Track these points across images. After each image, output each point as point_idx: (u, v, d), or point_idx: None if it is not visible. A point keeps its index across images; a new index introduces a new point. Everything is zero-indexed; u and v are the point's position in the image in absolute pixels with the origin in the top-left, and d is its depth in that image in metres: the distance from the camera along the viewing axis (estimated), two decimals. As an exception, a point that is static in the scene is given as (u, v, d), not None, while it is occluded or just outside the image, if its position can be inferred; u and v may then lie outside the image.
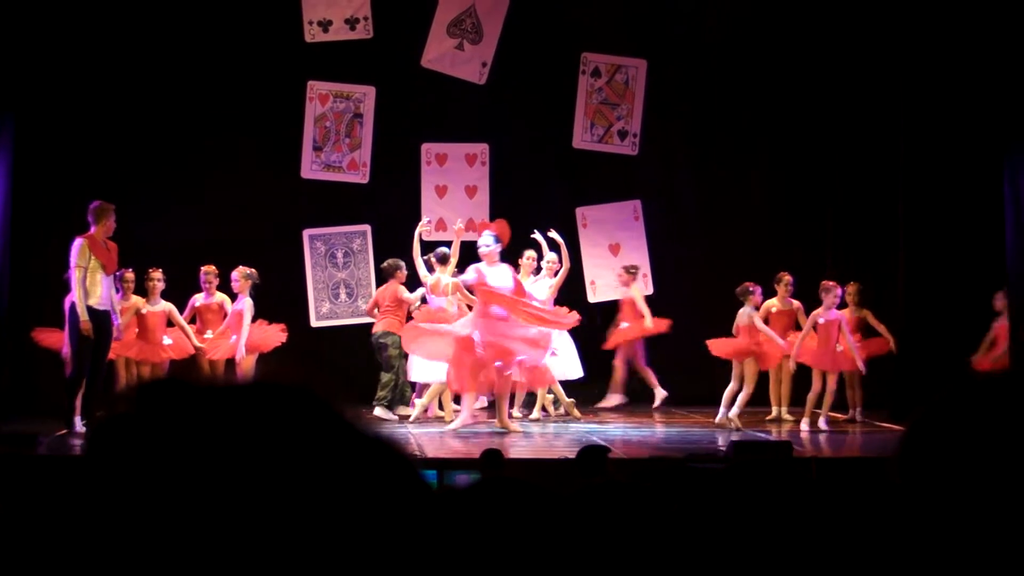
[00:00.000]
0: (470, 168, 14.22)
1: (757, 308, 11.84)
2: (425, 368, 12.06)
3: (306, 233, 13.86)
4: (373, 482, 1.04)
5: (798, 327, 12.11)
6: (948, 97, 12.62)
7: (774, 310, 12.47)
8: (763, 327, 11.77)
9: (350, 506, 1.02)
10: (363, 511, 1.03)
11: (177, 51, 13.45)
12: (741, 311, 11.86)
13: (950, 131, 12.68)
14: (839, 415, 12.24)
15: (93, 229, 10.49)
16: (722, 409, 11.81)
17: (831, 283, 11.86)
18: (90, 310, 10.31)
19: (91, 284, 10.34)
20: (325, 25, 13.69)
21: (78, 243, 10.40)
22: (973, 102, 12.51)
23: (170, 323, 12.02)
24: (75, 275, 10.30)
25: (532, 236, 12.61)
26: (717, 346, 12.26)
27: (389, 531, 1.03)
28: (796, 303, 12.31)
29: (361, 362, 12.92)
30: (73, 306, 10.44)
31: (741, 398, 11.75)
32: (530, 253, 12.75)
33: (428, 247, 12.44)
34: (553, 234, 12.43)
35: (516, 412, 12.75)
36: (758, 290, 11.87)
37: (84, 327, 10.27)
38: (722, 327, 13.04)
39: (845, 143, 13.81)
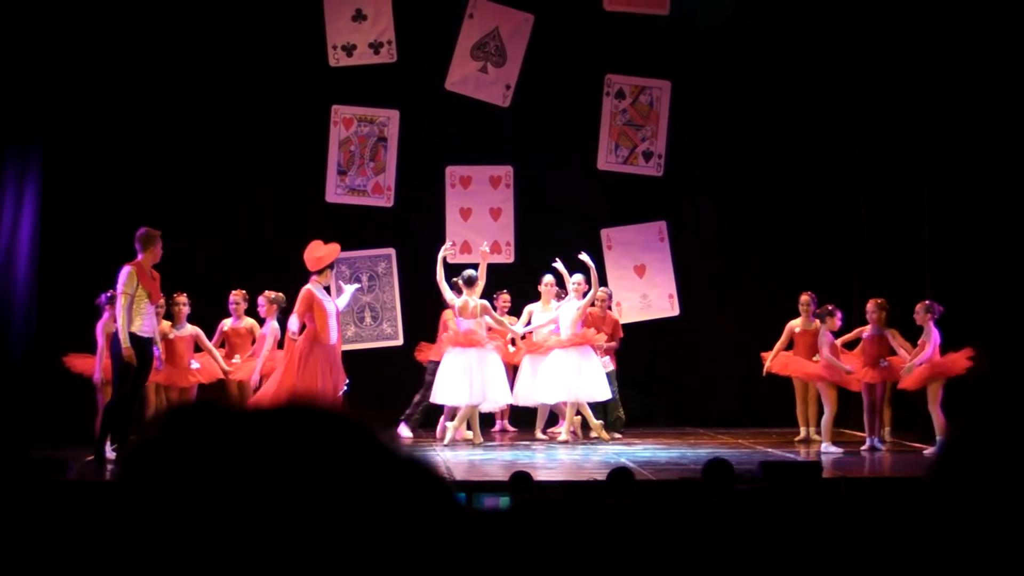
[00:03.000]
0: (495, 190, 14.24)
1: (835, 331, 11.54)
2: (450, 391, 12.06)
3: (332, 257, 13.88)
4: (409, 504, 1.04)
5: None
6: (975, 113, 12.58)
7: (797, 330, 12.44)
8: (827, 353, 11.46)
9: (386, 528, 1.02)
10: (400, 534, 1.02)
11: (202, 77, 13.53)
12: (820, 335, 11.57)
13: (976, 147, 12.63)
14: (862, 434, 12.14)
15: (140, 256, 10.45)
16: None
17: (880, 301, 11.83)
18: (134, 337, 10.26)
19: (136, 312, 10.30)
20: (349, 50, 13.76)
21: (126, 270, 10.32)
22: (1002, 116, 12.46)
23: (198, 348, 12.07)
24: (120, 301, 10.25)
25: (553, 264, 12.61)
26: (799, 367, 12.11)
27: (426, 553, 1.03)
28: (819, 322, 12.24)
29: (388, 384, 12.94)
30: (115, 333, 10.42)
31: (825, 421, 11.49)
32: (548, 279, 12.75)
33: (453, 270, 12.45)
34: (584, 256, 12.45)
35: (540, 435, 12.74)
36: (838, 313, 11.60)
37: (126, 353, 10.19)
38: (749, 347, 13.01)
39: (871, 162, 13.75)
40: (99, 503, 1.09)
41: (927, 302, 11.55)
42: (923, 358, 11.29)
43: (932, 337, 11.35)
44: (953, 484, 1.26)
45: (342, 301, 11.80)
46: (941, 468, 1.28)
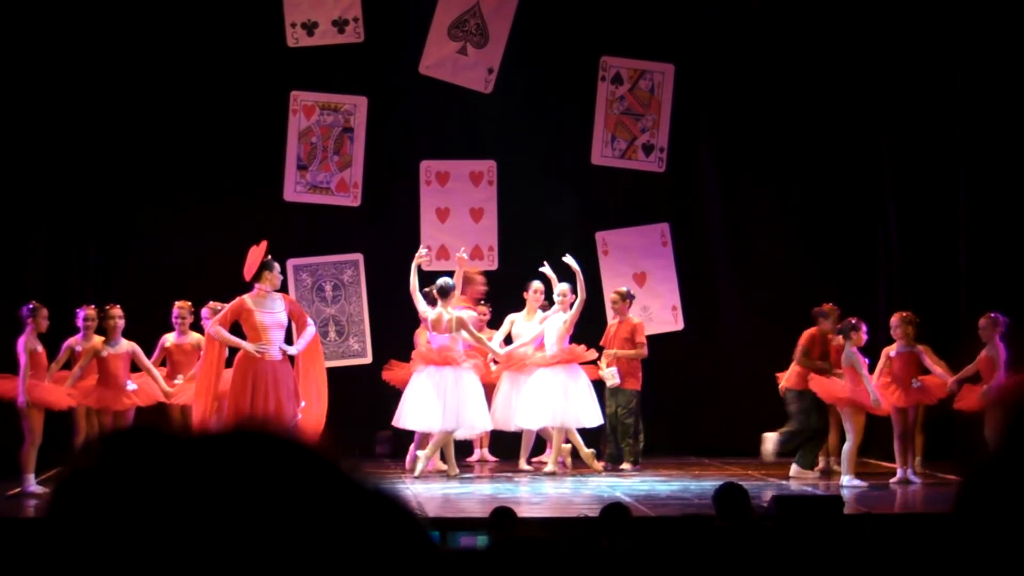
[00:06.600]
0: (475, 188, 14.26)
1: (860, 347, 11.43)
2: (422, 415, 12.02)
3: (290, 263, 13.87)
4: (374, 543, 1.05)
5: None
6: (1010, 103, 12.64)
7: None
8: (864, 372, 11.34)
9: (349, 570, 1.03)
10: (361, 572, 1.03)
11: (147, 60, 13.49)
12: (844, 352, 11.47)
13: (1013, 137, 12.70)
14: (890, 465, 12.12)
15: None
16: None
17: (906, 314, 11.77)
18: None
19: None
20: (310, 28, 13.76)
21: None
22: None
23: (136, 367, 12.00)
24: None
25: (540, 269, 12.59)
26: (822, 387, 11.96)
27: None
28: (842, 338, 12.26)
29: (355, 408, 12.92)
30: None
31: (847, 450, 11.40)
32: (536, 285, 12.72)
33: (428, 278, 12.43)
34: (568, 260, 12.40)
35: (524, 465, 12.71)
36: (863, 326, 11.48)
37: None
38: (762, 365, 13.01)
39: (897, 156, 13.77)
40: (23, 541, 1.09)
41: (992, 315, 11.47)
42: (999, 379, 11.26)
43: (1000, 355, 11.29)
44: (980, 518, 1.27)
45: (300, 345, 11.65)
46: (967, 500, 1.29)
